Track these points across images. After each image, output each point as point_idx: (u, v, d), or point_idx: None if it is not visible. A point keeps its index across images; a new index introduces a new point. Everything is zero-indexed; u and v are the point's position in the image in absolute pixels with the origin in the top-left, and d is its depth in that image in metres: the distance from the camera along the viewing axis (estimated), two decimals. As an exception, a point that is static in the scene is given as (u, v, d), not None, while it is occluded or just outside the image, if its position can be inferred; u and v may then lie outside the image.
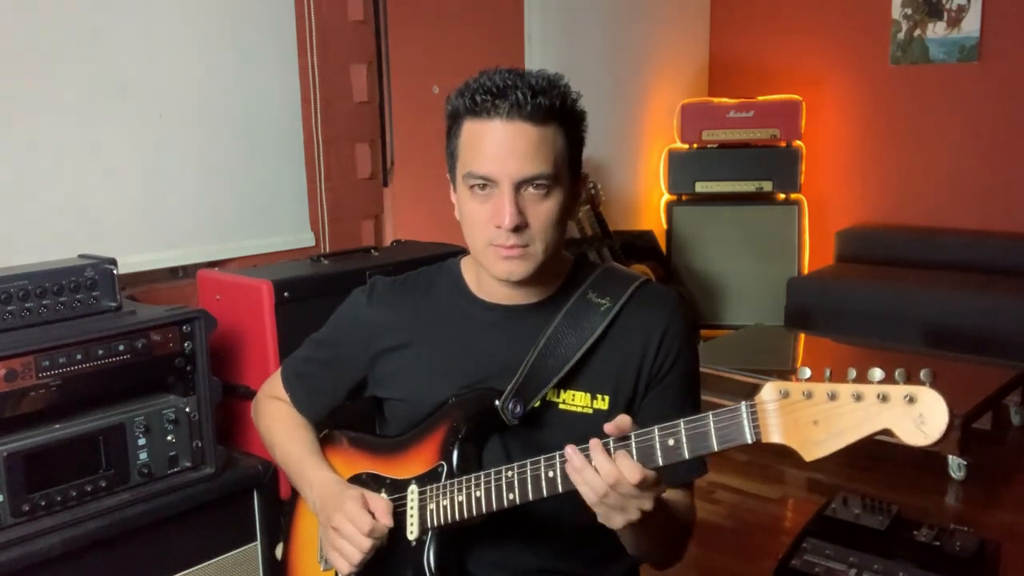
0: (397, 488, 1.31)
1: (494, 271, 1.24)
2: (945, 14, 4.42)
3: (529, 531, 1.30)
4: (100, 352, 1.76)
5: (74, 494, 1.73)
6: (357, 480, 1.36)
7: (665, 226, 4.68)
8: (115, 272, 1.87)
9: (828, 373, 0.96)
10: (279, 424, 1.47)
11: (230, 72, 2.67)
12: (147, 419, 1.84)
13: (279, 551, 1.49)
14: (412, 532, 1.26)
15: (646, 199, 4.82)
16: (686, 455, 1.04)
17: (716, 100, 4.73)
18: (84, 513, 1.74)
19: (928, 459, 3.09)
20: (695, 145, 4.67)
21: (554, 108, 1.18)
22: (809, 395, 0.96)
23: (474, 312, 1.33)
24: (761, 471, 3.16)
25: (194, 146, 2.59)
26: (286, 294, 2.13)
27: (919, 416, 0.91)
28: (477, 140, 1.19)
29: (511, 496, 1.16)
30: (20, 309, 1.74)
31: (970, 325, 3.80)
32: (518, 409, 1.24)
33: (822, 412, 0.95)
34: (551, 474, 1.13)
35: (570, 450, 1.08)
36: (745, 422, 1.00)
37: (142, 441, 1.83)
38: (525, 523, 1.28)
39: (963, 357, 3.64)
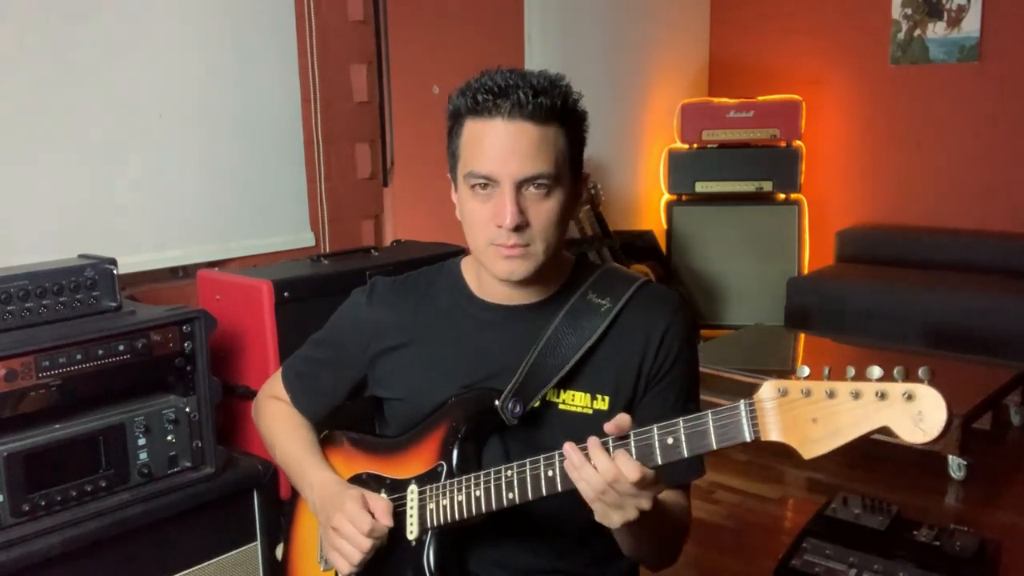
0: (397, 488, 1.31)
1: (495, 270, 1.24)
2: (945, 14, 4.42)
3: (529, 530, 1.30)
4: (100, 352, 1.76)
5: (74, 494, 1.73)
6: (357, 480, 1.36)
7: (665, 226, 4.68)
8: (115, 272, 1.87)
9: (827, 371, 0.97)
10: (279, 424, 1.47)
11: (230, 72, 2.67)
12: (147, 419, 1.84)
13: (279, 551, 1.49)
14: (412, 532, 1.27)
15: (646, 199, 4.82)
16: (685, 454, 1.05)
17: (716, 100, 4.73)
18: (84, 513, 1.74)
19: (928, 459, 3.09)
20: (695, 145, 4.67)
21: (555, 108, 1.18)
22: (808, 393, 0.96)
23: (474, 312, 1.33)
24: (761, 471, 3.16)
25: (194, 146, 2.60)
26: (286, 294, 2.13)
27: (917, 414, 0.91)
28: (478, 139, 1.19)
29: (510, 495, 1.16)
30: (20, 309, 1.74)
31: (970, 325, 3.80)
32: (518, 409, 1.24)
33: (821, 410, 0.95)
34: (550, 473, 1.13)
35: (568, 447, 1.08)
36: (744, 420, 1.00)
37: (142, 441, 1.83)
38: (525, 522, 1.28)
39: (963, 357, 3.64)
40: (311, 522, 1.40)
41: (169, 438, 1.88)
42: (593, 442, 1.07)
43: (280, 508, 1.60)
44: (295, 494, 1.46)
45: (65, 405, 1.74)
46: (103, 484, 1.78)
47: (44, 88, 2.25)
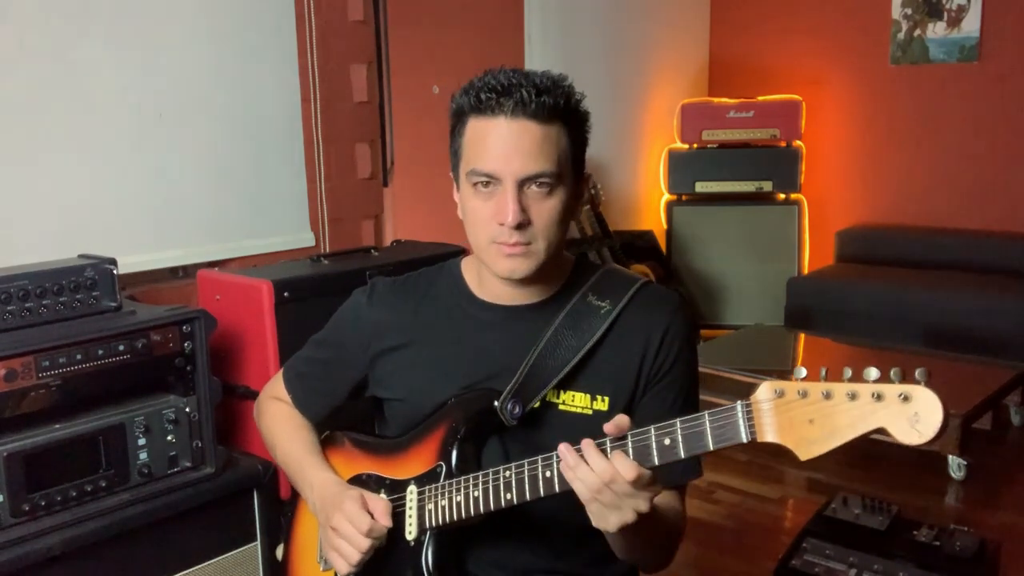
0: (397, 488, 1.31)
1: (496, 269, 1.24)
2: (945, 14, 4.42)
3: (528, 531, 1.30)
4: (100, 352, 1.76)
5: (74, 494, 1.74)
6: (357, 481, 1.36)
7: (665, 226, 4.68)
8: (115, 272, 1.87)
9: (824, 372, 0.97)
10: (280, 425, 1.48)
11: (230, 72, 2.67)
12: (147, 419, 1.84)
13: (279, 551, 1.50)
14: (411, 532, 1.27)
15: (646, 199, 4.82)
16: (682, 454, 1.05)
17: (716, 100, 4.73)
18: (84, 513, 1.74)
19: (928, 459, 3.09)
20: (695, 145, 4.67)
21: (558, 107, 1.19)
22: (804, 394, 0.96)
23: (474, 312, 1.34)
24: (761, 471, 3.16)
25: (194, 146, 2.60)
26: (286, 294, 2.13)
27: (914, 415, 0.91)
28: (481, 138, 1.20)
29: (509, 496, 1.17)
30: (20, 309, 1.74)
31: (970, 325, 3.80)
32: (517, 410, 1.24)
33: (817, 411, 0.95)
34: (548, 474, 1.13)
35: (563, 448, 1.08)
36: (741, 421, 1.00)
37: (142, 441, 1.84)
38: (524, 523, 1.28)
39: (963, 357, 3.64)
40: (311, 522, 1.40)
41: (169, 438, 1.88)
42: (588, 443, 1.07)
43: (280, 508, 1.61)
44: (295, 494, 1.46)
45: (65, 405, 1.74)
46: (103, 484, 1.78)
47: (44, 88, 2.25)
